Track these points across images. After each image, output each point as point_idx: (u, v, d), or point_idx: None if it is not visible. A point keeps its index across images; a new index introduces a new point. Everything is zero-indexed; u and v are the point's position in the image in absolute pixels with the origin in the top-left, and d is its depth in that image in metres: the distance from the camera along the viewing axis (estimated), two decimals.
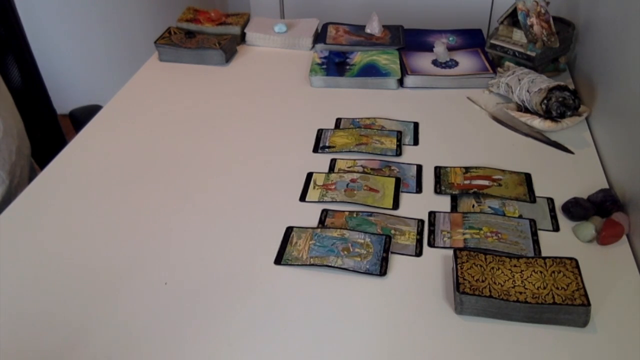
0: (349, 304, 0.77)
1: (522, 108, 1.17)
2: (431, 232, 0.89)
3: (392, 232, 0.89)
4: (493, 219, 0.90)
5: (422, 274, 0.82)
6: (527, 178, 0.99)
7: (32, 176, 1.23)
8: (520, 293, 0.74)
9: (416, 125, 1.16)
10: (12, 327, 0.75)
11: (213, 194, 0.98)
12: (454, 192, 0.96)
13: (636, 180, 0.89)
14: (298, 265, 0.83)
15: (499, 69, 1.28)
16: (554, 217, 0.91)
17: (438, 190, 0.98)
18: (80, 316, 0.77)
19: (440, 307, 0.77)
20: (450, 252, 0.83)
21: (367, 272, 0.81)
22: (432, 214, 0.92)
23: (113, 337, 0.74)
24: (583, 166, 1.03)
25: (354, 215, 0.92)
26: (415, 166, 1.04)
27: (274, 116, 1.20)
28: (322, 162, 1.06)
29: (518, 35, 1.26)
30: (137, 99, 1.28)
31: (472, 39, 1.45)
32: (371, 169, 1.03)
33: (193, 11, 1.57)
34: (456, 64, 1.33)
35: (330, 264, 0.82)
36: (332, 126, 1.16)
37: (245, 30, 1.51)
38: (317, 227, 0.90)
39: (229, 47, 1.42)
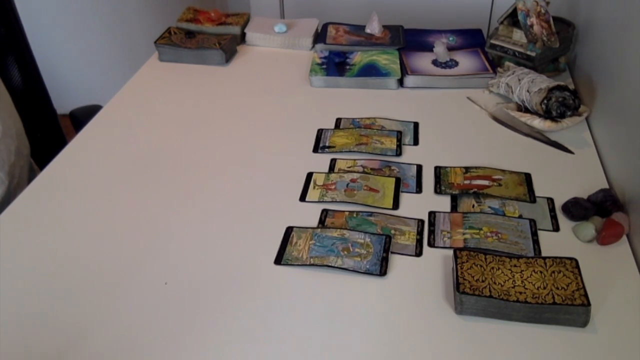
0: (349, 304, 0.77)
1: (522, 108, 1.17)
2: (431, 232, 0.89)
3: (392, 232, 0.89)
4: (493, 219, 0.90)
5: (422, 274, 0.82)
6: (527, 178, 0.99)
7: (31, 176, 1.23)
8: (520, 293, 0.74)
9: (416, 125, 1.16)
10: (12, 327, 0.75)
11: (213, 193, 0.98)
12: (454, 192, 0.96)
13: (636, 180, 0.89)
14: (298, 265, 0.83)
15: (499, 69, 1.28)
16: (554, 217, 0.91)
17: (438, 190, 0.98)
18: (80, 316, 0.77)
19: (440, 307, 0.77)
20: (450, 252, 0.83)
21: (367, 272, 0.81)
22: (432, 214, 0.92)
23: (113, 337, 0.74)
24: (583, 166, 1.03)
25: (354, 215, 0.92)
26: (415, 166, 1.04)
27: (274, 116, 1.20)
28: (322, 162, 1.06)
29: (518, 35, 1.26)
30: (137, 99, 1.28)
31: (472, 39, 1.45)
32: (371, 169, 1.03)
33: (193, 11, 1.57)
34: (456, 64, 1.33)
35: (330, 264, 0.82)
36: (332, 126, 1.16)
37: (245, 30, 1.51)
38: (317, 227, 0.90)
39: (229, 47, 1.42)
